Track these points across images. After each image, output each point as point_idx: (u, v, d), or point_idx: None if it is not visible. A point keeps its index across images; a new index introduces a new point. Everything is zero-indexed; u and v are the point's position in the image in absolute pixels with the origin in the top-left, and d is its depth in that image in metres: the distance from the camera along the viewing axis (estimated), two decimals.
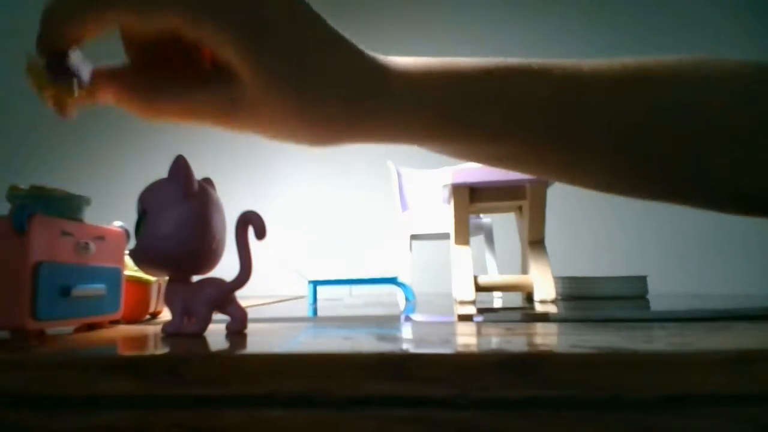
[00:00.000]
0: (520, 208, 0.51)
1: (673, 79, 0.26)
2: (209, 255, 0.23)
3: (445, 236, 0.58)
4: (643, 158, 0.27)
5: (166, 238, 0.22)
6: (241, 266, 0.23)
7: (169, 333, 0.23)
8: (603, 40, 1.40)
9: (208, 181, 0.25)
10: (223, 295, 0.23)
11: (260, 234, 0.23)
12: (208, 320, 0.23)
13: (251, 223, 0.23)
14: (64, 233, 0.24)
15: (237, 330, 0.24)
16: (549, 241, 0.46)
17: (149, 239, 0.23)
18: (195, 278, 0.24)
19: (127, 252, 0.27)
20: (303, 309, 0.45)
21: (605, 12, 1.42)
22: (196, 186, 0.23)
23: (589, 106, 0.26)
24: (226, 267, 0.25)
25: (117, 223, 0.29)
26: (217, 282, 0.23)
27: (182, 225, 0.22)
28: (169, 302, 0.24)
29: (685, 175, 0.27)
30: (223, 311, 0.24)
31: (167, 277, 0.24)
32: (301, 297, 0.81)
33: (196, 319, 0.23)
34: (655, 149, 0.26)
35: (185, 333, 0.23)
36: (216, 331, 0.24)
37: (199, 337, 0.23)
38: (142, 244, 0.23)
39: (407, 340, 0.20)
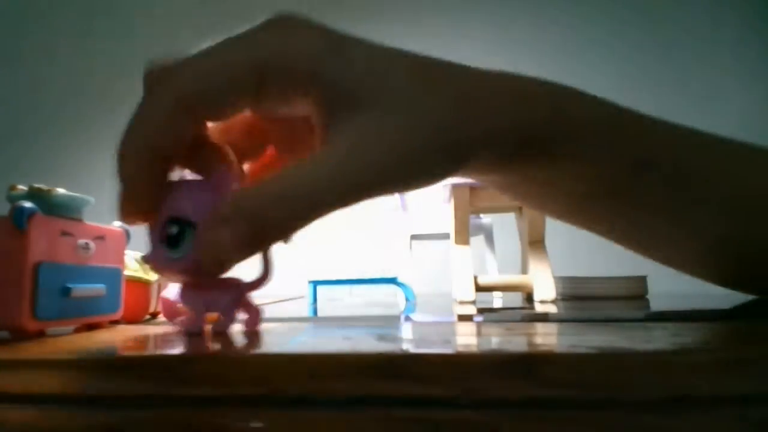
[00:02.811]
0: (520, 208, 0.51)
1: None
2: None
3: (445, 236, 0.58)
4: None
5: None
6: (264, 269, 0.23)
7: (193, 332, 0.23)
8: (603, 37, 1.40)
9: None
10: (243, 295, 0.24)
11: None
12: (234, 319, 0.23)
13: None
14: (64, 233, 0.24)
15: (252, 328, 0.24)
16: (549, 241, 0.46)
17: None
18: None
19: (140, 257, 0.24)
20: (303, 309, 0.45)
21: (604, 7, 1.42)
22: None
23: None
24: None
25: (117, 223, 0.29)
26: (236, 282, 0.23)
27: None
28: (189, 302, 0.23)
29: None
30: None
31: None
32: (301, 297, 0.81)
33: (224, 318, 0.23)
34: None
35: (213, 331, 0.23)
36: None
37: (198, 336, 0.23)
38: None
39: (407, 340, 0.20)
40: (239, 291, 0.23)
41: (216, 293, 0.23)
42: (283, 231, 0.18)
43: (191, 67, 0.18)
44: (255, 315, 0.24)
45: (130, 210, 0.20)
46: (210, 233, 0.18)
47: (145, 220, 0.20)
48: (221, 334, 0.23)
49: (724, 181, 0.25)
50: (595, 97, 0.23)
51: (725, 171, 0.25)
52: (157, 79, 0.19)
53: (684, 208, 0.25)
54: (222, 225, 0.18)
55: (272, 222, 0.18)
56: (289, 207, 0.18)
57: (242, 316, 0.24)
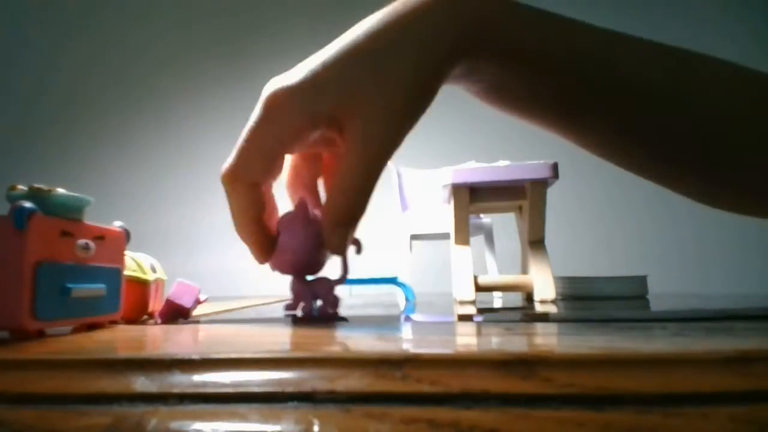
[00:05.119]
0: (520, 208, 0.51)
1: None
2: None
3: (445, 236, 0.58)
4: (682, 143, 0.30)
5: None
6: (342, 270, 0.30)
7: (307, 315, 0.30)
8: None
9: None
10: (333, 288, 0.31)
11: (358, 250, 0.31)
12: (336, 304, 0.30)
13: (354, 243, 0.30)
14: (64, 233, 0.24)
15: (332, 312, 0.30)
16: (549, 241, 0.46)
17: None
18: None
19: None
20: None
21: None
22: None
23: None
24: None
25: (117, 223, 0.29)
26: (327, 279, 0.30)
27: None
28: (300, 292, 0.30)
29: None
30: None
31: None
32: None
33: (330, 306, 0.30)
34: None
35: (321, 315, 0.30)
36: (216, 331, 0.24)
37: (193, 336, 0.23)
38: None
39: (407, 340, 0.20)
40: (331, 284, 0.30)
41: (317, 285, 0.30)
42: (356, 215, 0.27)
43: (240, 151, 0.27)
44: (336, 301, 0.30)
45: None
46: (330, 234, 0.28)
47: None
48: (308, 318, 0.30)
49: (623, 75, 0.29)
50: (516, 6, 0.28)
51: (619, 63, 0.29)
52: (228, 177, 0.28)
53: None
54: (333, 224, 0.27)
55: (348, 214, 0.27)
56: (349, 203, 0.27)
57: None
